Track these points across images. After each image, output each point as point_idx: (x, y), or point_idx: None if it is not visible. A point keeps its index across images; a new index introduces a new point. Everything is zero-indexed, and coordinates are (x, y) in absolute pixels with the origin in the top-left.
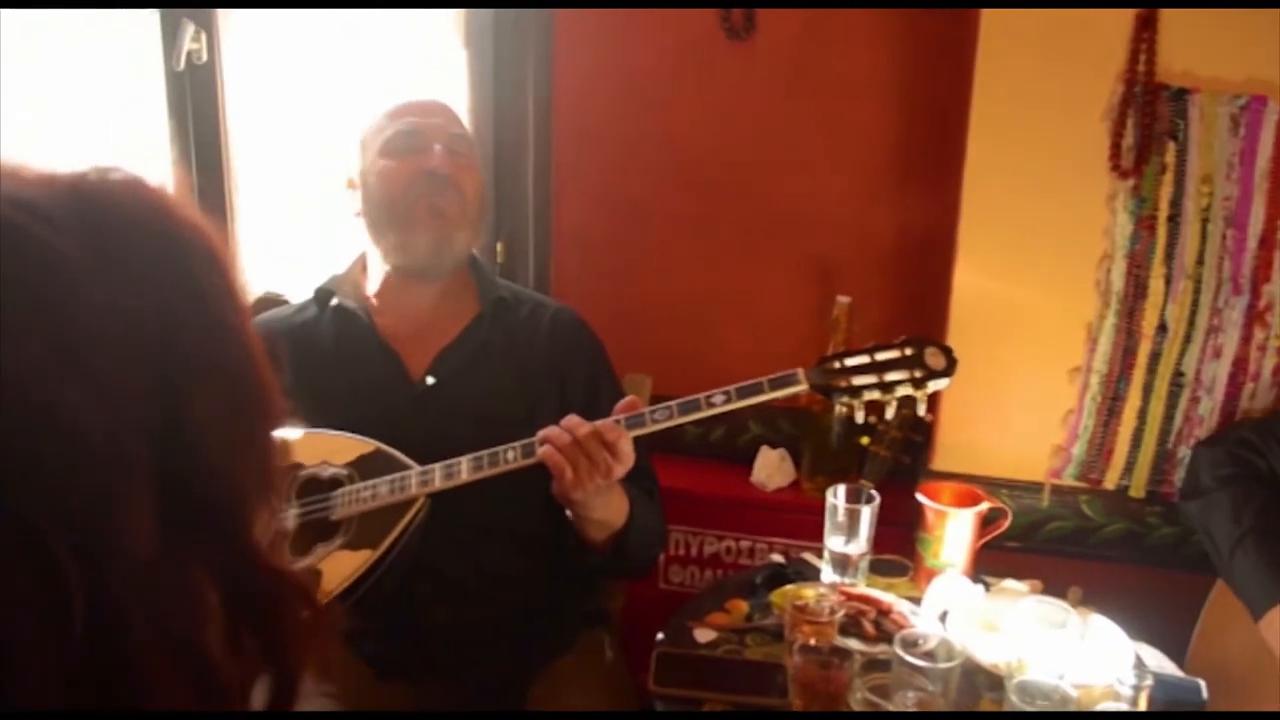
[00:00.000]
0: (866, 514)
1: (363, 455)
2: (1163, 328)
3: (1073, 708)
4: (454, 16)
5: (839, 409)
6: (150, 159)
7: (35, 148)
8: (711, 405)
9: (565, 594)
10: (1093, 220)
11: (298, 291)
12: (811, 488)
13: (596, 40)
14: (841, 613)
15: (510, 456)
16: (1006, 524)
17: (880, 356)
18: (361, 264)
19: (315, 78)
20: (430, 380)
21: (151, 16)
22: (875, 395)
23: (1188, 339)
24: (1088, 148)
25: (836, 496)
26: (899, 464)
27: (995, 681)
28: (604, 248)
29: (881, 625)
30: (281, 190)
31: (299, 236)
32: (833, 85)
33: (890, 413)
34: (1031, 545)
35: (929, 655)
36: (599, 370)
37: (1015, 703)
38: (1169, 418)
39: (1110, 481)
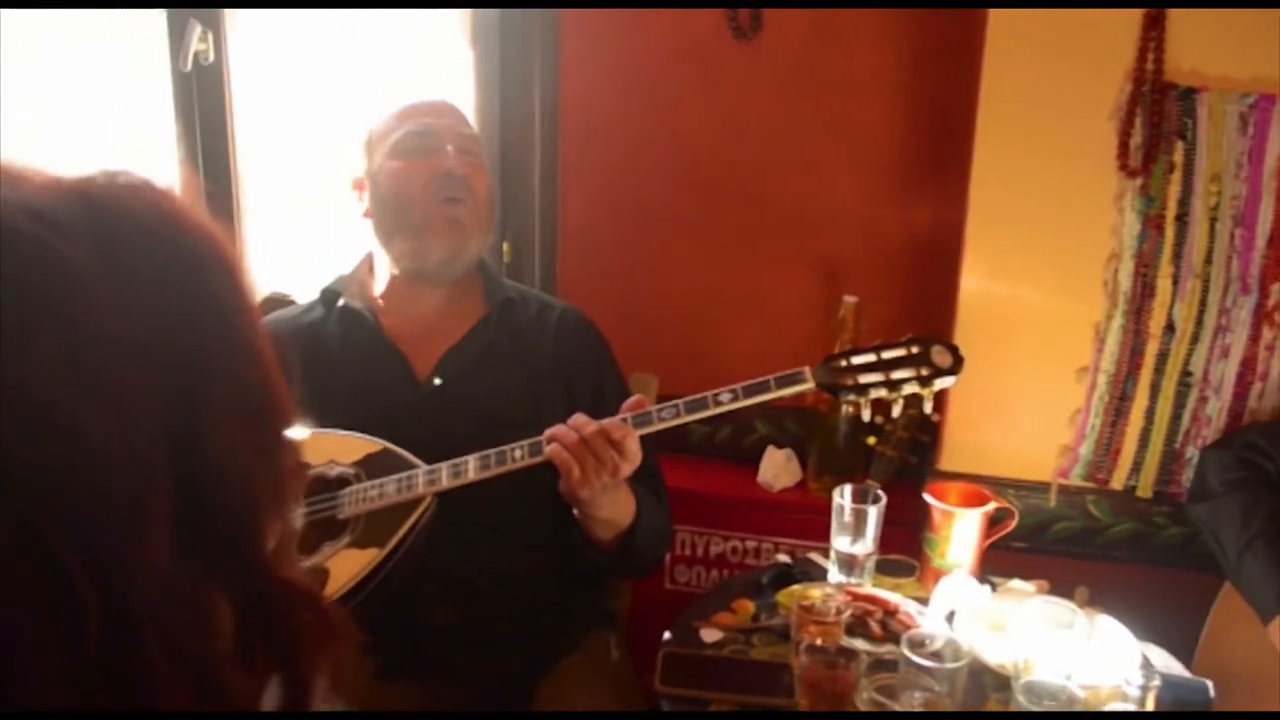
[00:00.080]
0: (873, 514)
1: (370, 454)
2: (1170, 327)
3: (1080, 708)
4: (460, 16)
5: (846, 408)
6: (151, 159)
7: (36, 148)
8: (718, 404)
9: (571, 593)
10: (1100, 220)
11: (304, 291)
12: (818, 488)
13: (603, 40)
14: (848, 613)
15: (517, 455)
16: (1013, 524)
17: (887, 355)
18: (368, 264)
19: (321, 78)
20: (437, 381)
21: (153, 17)
22: (882, 393)
23: (1195, 338)
24: (1095, 147)
25: (843, 496)
26: (906, 464)
27: (1002, 682)
28: (610, 247)
29: (888, 625)
30: (288, 190)
31: (305, 236)
32: (839, 85)
33: (897, 411)
34: (1038, 545)
35: (936, 655)
36: (605, 370)
37: (1022, 703)
38: (1176, 418)
39: (1117, 481)
